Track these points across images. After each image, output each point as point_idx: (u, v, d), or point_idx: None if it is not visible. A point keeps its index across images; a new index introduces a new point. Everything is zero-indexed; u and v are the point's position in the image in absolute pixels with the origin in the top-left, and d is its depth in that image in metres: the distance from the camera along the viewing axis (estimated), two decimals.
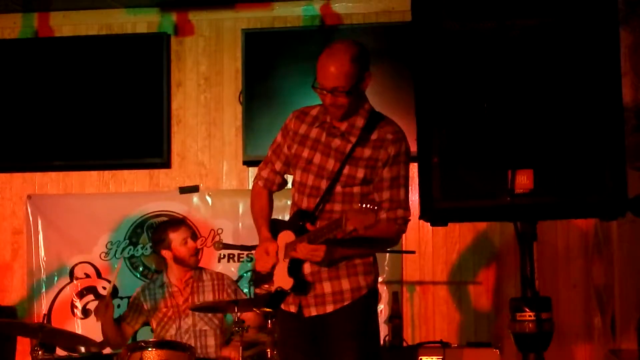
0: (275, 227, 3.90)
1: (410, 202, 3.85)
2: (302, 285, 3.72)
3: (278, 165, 3.98)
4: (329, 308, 3.73)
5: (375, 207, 3.36)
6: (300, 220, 3.76)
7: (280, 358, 4.03)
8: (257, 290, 3.88)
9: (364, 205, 3.34)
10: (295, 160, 3.87)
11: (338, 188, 3.72)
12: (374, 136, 3.75)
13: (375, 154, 3.73)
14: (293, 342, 3.84)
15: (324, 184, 3.75)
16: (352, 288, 3.74)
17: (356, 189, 3.74)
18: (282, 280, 3.73)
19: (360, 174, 3.72)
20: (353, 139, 3.75)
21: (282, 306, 3.81)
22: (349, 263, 3.76)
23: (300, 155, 3.85)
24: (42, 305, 6.46)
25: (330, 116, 3.80)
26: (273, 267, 3.81)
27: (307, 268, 3.75)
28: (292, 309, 3.80)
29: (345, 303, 3.73)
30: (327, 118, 3.83)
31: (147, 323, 5.58)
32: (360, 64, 3.69)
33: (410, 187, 5.90)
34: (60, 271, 6.51)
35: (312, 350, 3.78)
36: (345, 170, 3.73)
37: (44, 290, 6.49)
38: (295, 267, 3.72)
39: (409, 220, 3.84)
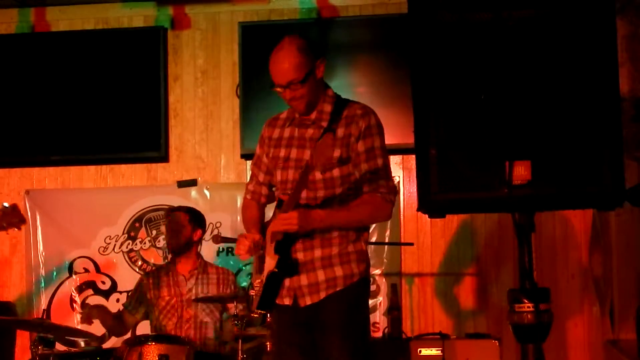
0: (266, 227, 3.89)
1: (394, 177, 3.84)
2: (287, 262, 3.70)
3: (261, 177, 4.00)
4: (322, 294, 3.73)
5: (332, 135, 3.56)
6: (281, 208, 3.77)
7: (274, 353, 4.00)
8: (251, 292, 3.84)
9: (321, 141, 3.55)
10: (274, 163, 3.89)
11: (317, 175, 3.72)
12: (344, 115, 3.78)
13: (347, 130, 3.74)
14: (287, 336, 3.84)
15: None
16: (345, 275, 3.74)
17: (335, 172, 3.73)
18: (270, 263, 3.72)
19: (337, 153, 3.71)
20: (325, 124, 3.78)
21: (277, 300, 3.78)
22: (342, 251, 3.75)
23: (278, 157, 3.87)
24: (42, 300, 6.47)
25: (296, 111, 3.84)
26: (251, 250, 3.78)
27: (300, 257, 3.74)
28: (287, 301, 3.78)
29: (338, 289, 3.73)
30: (296, 115, 3.87)
31: (147, 314, 5.57)
32: (308, 52, 3.74)
33: (408, 179, 6.00)
34: (59, 266, 6.52)
35: (306, 343, 3.77)
36: None
37: (43, 285, 6.50)
38: (281, 246, 3.69)
39: (397, 191, 3.83)
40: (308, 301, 3.75)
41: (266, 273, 3.73)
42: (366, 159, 3.73)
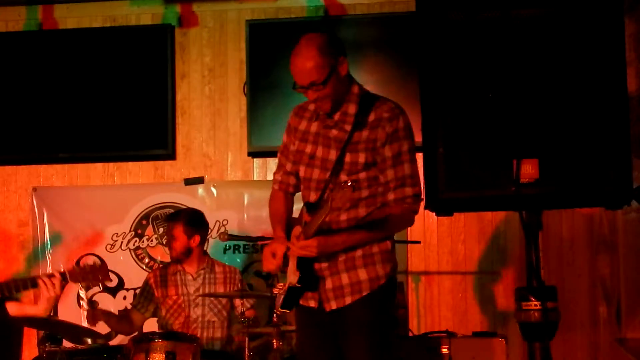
0: (292, 225, 3.82)
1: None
2: (308, 278, 3.63)
3: (289, 166, 3.90)
4: (348, 300, 3.65)
5: (351, 183, 3.36)
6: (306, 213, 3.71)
7: (297, 353, 3.93)
8: (275, 290, 3.79)
9: (342, 183, 3.40)
10: (299, 157, 3.82)
11: (343, 177, 3.64)
12: (370, 117, 3.68)
13: (372, 134, 3.66)
14: (311, 338, 3.77)
15: (328, 176, 3.69)
16: (370, 278, 3.65)
17: (362, 175, 3.65)
18: (292, 275, 3.65)
19: (362, 158, 3.65)
20: (348, 127, 3.69)
21: (301, 301, 3.71)
22: (366, 252, 3.68)
23: (303, 152, 3.80)
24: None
25: (321, 111, 3.75)
26: (280, 268, 3.72)
27: (323, 262, 3.66)
28: (312, 303, 3.70)
29: (364, 294, 3.64)
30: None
31: (156, 311, 5.59)
32: (329, 51, 3.62)
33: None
34: (66, 263, 6.52)
35: (331, 347, 3.70)
36: (347, 158, 3.66)
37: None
38: (303, 261, 3.63)
39: (421, 199, 3.74)
40: (333, 306, 3.67)
41: (288, 283, 3.67)
42: (393, 165, 3.66)
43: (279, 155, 3.98)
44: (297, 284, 3.63)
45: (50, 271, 4.38)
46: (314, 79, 3.60)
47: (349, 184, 3.37)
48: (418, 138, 3.85)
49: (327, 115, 3.75)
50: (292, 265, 3.67)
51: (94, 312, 5.37)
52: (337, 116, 3.73)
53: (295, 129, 3.86)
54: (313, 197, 3.73)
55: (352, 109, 3.72)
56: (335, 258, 3.66)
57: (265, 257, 3.74)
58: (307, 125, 3.83)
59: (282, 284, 3.73)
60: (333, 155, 3.71)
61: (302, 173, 3.82)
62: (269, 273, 6.16)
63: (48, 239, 6.54)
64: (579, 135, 3.74)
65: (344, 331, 3.66)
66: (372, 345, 3.60)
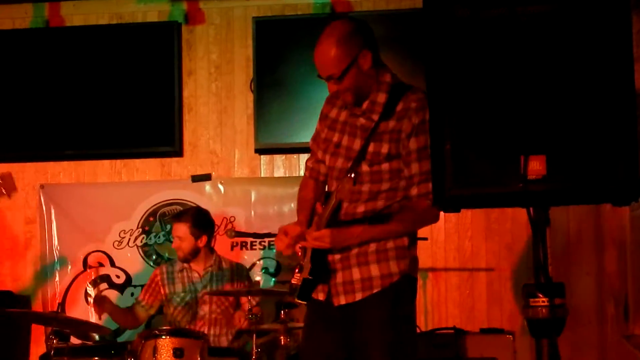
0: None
1: None
2: (320, 271, 3.56)
3: (320, 154, 3.81)
4: (358, 296, 3.55)
5: (354, 175, 3.36)
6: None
7: (301, 348, 3.83)
8: (293, 281, 3.72)
9: (346, 175, 3.40)
10: (326, 145, 3.73)
11: (365, 167, 3.56)
12: (398, 107, 3.56)
13: (398, 125, 3.53)
14: (316, 330, 3.69)
15: (351, 165, 3.59)
16: (382, 275, 3.55)
17: (384, 166, 3.56)
18: (307, 266, 3.59)
19: (385, 149, 3.54)
20: (375, 117, 3.58)
21: (312, 294, 3.62)
22: (380, 247, 3.57)
23: (330, 140, 3.71)
24: (56, 294, 6.49)
25: (344, 102, 3.67)
26: (290, 247, 3.66)
27: (336, 255, 3.59)
28: (321, 296, 3.62)
29: (374, 291, 3.54)
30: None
31: (161, 308, 5.59)
32: (350, 43, 3.50)
33: None
34: (74, 260, 6.54)
35: (337, 341, 3.60)
36: (371, 148, 3.55)
37: (57, 279, 6.52)
38: (317, 252, 3.58)
39: None
40: (342, 301, 3.59)
41: (304, 274, 3.60)
42: (418, 158, 3.54)
43: (311, 142, 3.90)
44: (308, 276, 3.57)
45: None
46: (331, 72, 3.51)
47: (351, 176, 3.34)
48: None
49: (355, 104, 3.65)
50: (307, 256, 3.62)
51: (100, 300, 5.37)
52: (365, 105, 3.63)
53: (326, 116, 3.78)
54: (334, 186, 3.64)
55: (381, 98, 3.61)
56: (348, 251, 3.58)
57: (277, 237, 3.69)
58: (337, 113, 3.75)
59: (299, 275, 3.63)
60: (357, 144, 3.61)
61: (327, 162, 3.74)
62: (277, 271, 6.23)
63: (55, 236, 6.55)
64: (586, 131, 3.73)
65: (353, 329, 3.57)
66: (382, 345, 3.50)
